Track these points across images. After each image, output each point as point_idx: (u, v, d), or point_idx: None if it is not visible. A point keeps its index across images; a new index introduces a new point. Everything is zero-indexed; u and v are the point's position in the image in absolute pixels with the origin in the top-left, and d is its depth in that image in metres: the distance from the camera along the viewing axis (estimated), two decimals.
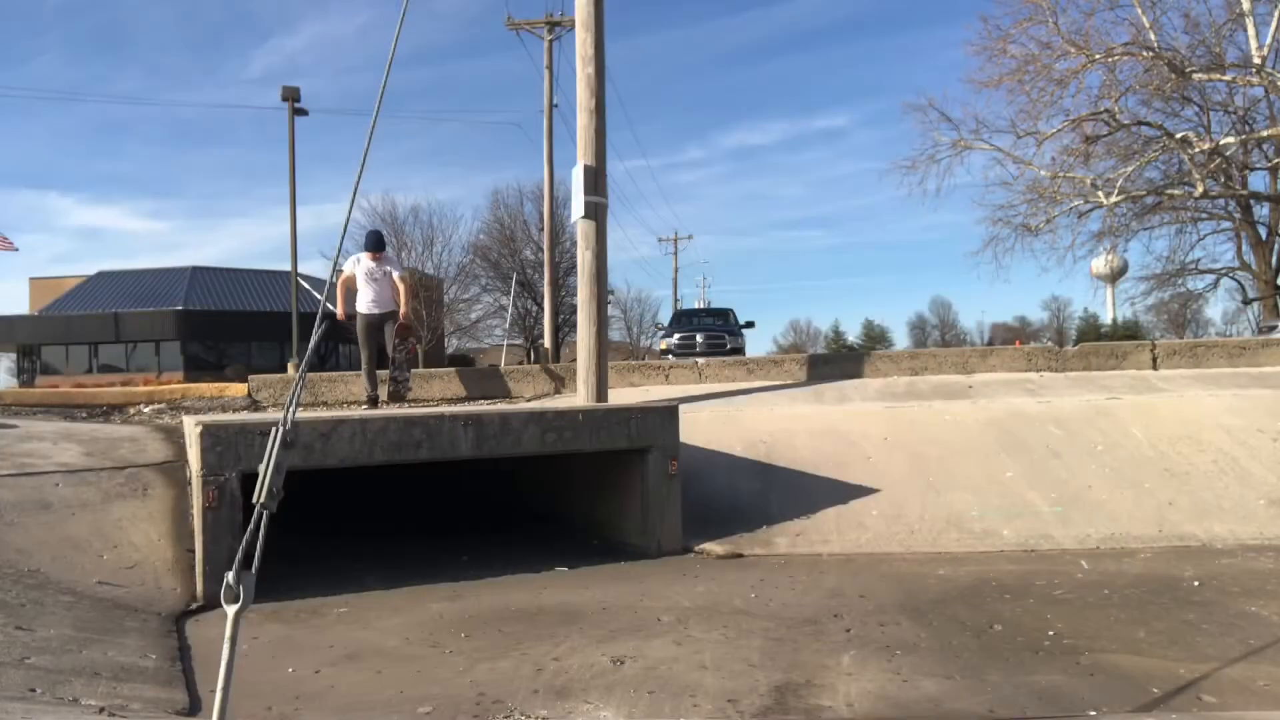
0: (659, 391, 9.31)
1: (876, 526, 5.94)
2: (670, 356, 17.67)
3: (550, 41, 25.95)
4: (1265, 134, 19.58)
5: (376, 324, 8.96)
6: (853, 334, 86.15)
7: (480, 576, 5.21)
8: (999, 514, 6.00)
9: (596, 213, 7.89)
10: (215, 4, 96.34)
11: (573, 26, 9.58)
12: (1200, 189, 19.20)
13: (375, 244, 9.09)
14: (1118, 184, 19.42)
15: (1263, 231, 24.58)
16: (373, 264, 8.94)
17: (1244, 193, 21.91)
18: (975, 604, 4.35)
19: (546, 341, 26.83)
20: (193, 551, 4.75)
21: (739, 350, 18.56)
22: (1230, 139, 19.64)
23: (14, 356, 38.90)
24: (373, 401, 9.01)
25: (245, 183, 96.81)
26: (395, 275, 9.10)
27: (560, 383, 9.82)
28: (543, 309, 29.85)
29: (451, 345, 41.77)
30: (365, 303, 8.95)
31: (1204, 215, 23.86)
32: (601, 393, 7.85)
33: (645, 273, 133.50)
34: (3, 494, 5.04)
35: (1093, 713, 2.97)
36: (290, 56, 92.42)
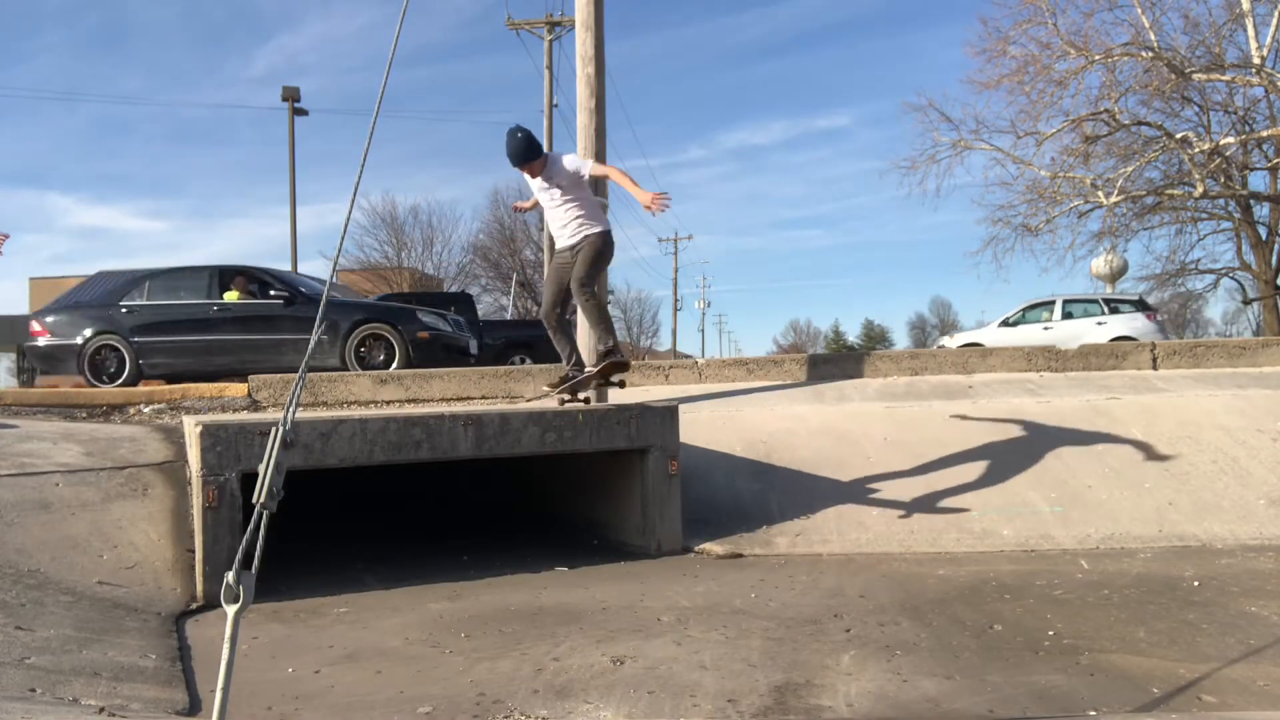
0: (659, 391, 9.31)
1: (876, 526, 5.94)
2: None
3: (550, 41, 26.01)
4: (1265, 134, 19.59)
5: (561, 267, 6.17)
6: (853, 334, 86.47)
7: (480, 576, 5.21)
8: (999, 514, 6.00)
9: None
10: (217, 3, 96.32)
11: (573, 26, 9.59)
12: (1200, 189, 19.21)
13: (521, 152, 5.86)
14: (1118, 184, 19.43)
15: (1263, 231, 24.59)
16: (539, 181, 6.00)
17: (1244, 193, 21.91)
18: (975, 604, 4.35)
19: None
20: (193, 551, 4.75)
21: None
22: (1230, 139, 19.65)
23: (14, 356, 38.89)
24: (564, 381, 6.22)
25: (245, 183, 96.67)
26: (585, 173, 5.96)
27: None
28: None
29: None
30: (555, 236, 6.21)
31: (1204, 215, 23.87)
32: (601, 393, 7.85)
33: (645, 273, 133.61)
34: (3, 494, 5.04)
35: (1093, 713, 2.97)
36: (292, 56, 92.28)
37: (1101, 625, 3.94)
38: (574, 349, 6.38)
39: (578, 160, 6.14)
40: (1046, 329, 17.93)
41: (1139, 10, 18.20)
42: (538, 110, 28.62)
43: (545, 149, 6.13)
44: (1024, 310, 18.95)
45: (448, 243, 39.17)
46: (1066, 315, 18.29)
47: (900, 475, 6.55)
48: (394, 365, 10.42)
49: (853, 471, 6.63)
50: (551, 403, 6.91)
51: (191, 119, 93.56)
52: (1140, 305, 18.81)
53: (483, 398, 9.72)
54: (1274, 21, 17.29)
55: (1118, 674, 3.33)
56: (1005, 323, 18.84)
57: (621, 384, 6.30)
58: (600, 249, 6.04)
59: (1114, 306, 18.43)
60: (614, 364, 6.07)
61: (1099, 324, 17.69)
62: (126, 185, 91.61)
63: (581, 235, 6.01)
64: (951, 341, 19.50)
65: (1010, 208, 21.31)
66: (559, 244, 6.16)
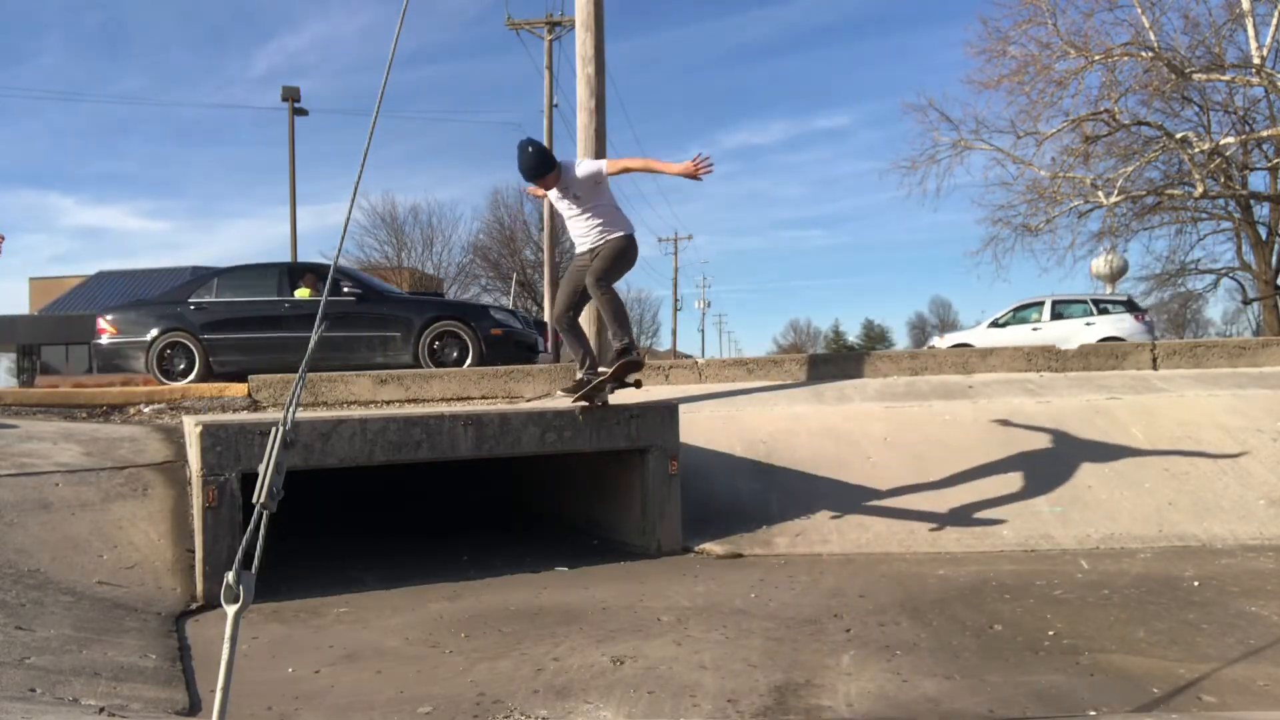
0: (659, 391, 9.30)
1: (876, 526, 5.94)
2: None
3: (550, 41, 26.02)
4: (1265, 134, 19.59)
5: (578, 270, 5.94)
6: (853, 334, 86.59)
7: (480, 576, 5.21)
8: (999, 514, 6.00)
9: None
10: (218, 3, 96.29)
11: (573, 26, 9.59)
12: (1200, 189, 19.21)
13: (534, 167, 5.74)
14: (1118, 184, 19.44)
15: (1263, 231, 24.59)
16: (554, 193, 5.85)
17: (1244, 193, 21.91)
18: (975, 604, 4.35)
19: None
20: (193, 551, 4.75)
21: None
22: (1230, 139, 19.65)
23: (14, 356, 38.91)
24: (581, 386, 5.86)
25: (246, 182, 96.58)
26: (603, 173, 5.75)
27: (560, 383, 9.82)
28: (543, 309, 29.86)
29: None
30: (576, 242, 6.00)
31: (1204, 215, 23.87)
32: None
33: (645, 273, 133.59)
34: (3, 494, 5.04)
35: (1093, 713, 2.97)
36: (292, 56, 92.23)
37: (1101, 625, 3.94)
38: (588, 352, 6.16)
39: (591, 164, 5.92)
40: (1035, 329, 18.04)
41: (1139, 10, 18.21)
42: (538, 110, 28.71)
43: (555, 158, 5.95)
44: (1013, 311, 19.07)
45: (448, 243, 39.29)
46: (1056, 316, 18.40)
47: (900, 475, 6.55)
48: (468, 363, 10.55)
49: (853, 471, 6.63)
50: (553, 402, 6.90)
51: (191, 119, 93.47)
52: (1129, 306, 18.92)
53: (483, 398, 9.72)
54: (1274, 21, 17.29)
55: (1118, 674, 3.33)
56: (995, 323, 18.98)
57: (638, 384, 5.98)
58: (623, 249, 5.83)
59: (1103, 307, 18.56)
60: (629, 363, 5.74)
61: (1087, 324, 17.80)
62: (126, 185, 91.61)
63: (603, 240, 5.79)
64: (942, 342, 19.66)
65: (1010, 208, 21.33)
66: (579, 249, 5.94)
